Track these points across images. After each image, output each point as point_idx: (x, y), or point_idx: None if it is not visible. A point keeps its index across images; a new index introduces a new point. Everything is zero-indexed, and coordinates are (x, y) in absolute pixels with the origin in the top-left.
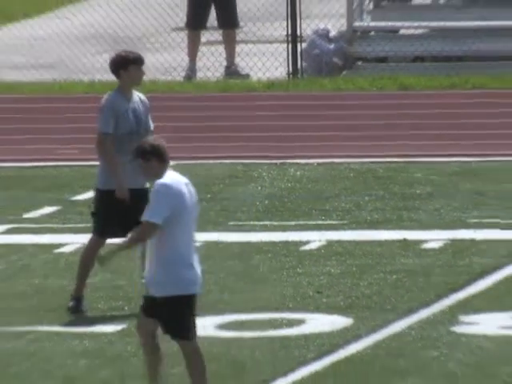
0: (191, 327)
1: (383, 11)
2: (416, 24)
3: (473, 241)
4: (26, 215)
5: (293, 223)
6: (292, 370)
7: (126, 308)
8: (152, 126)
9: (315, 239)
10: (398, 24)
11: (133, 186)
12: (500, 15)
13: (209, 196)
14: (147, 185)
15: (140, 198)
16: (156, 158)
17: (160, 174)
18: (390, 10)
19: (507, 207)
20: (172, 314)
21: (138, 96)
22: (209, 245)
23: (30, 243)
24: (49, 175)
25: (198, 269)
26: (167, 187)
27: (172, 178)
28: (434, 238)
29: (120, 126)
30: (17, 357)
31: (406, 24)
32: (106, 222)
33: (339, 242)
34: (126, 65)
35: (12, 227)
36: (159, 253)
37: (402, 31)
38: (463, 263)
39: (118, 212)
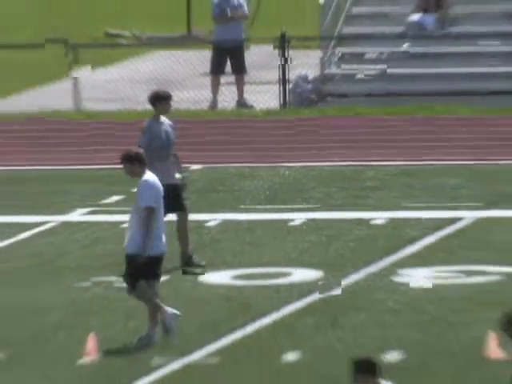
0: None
1: (344, 61)
2: (366, 71)
3: (406, 219)
4: (101, 202)
5: (284, 207)
6: (282, 307)
7: None
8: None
9: (299, 218)
10: (355, 71)
11: (169, 181)
12: (428, 64)
13: (225, 188)
14: (177, 181)
15: (173, 188)
16: (138, 162)
17: (141, 174)
18: (349, 62)
19: (430, 196)
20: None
21: (166, 121)
22: (225, 222)
23: (104, 221)
24: (117, 174)
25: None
26: (150, 183)
27: (151, 176)
28: (379, 217)
29: (155, 141)
30: (95, 300)
31: (360, 70)
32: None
33: (315, 220)
34: (160, 99)
35: (91, 210)
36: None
37: (357, 76)
38: (399, 234)
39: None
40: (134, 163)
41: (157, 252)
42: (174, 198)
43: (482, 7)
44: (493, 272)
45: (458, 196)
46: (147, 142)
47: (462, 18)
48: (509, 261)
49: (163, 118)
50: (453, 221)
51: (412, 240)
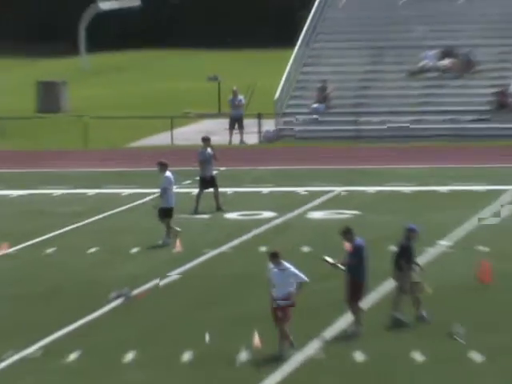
0: None
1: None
2: (298, 128)
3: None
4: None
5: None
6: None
7: None
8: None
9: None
10: (292, 126)
11: (210, 174)
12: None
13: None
14: (214, 173)
15: (212, 178)
16: (164, 165)
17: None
18: (288, 124)
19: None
20: None
21: (209, 149)
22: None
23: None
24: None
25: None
26: (169, 177)
27: (170, 173)
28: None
29: (204, 159)
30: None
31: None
32: (201, 186)
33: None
34: (206, 141)
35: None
36: None
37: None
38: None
39: (205, 184)
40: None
41: None
42: (213, 182)
43: None
44: None
45: None
46: None
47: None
48: None
49: (207, 148)
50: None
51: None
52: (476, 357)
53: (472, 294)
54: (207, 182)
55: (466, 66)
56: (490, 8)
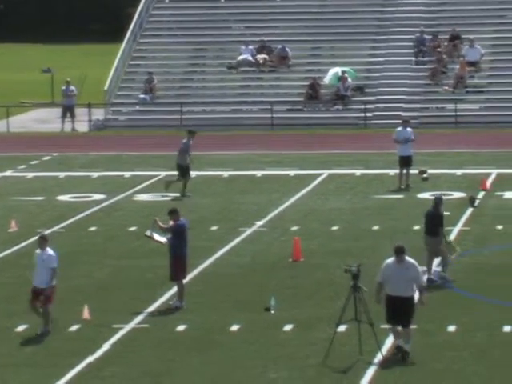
0: None
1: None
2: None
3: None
4: None
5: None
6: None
7: None
8: None
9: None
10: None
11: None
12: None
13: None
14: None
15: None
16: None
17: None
18: (116, 113)
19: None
20: None
21: (191, 140)
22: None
23: None
24: None
25: None
26: None
27: None
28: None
29: (185, 148)
30: None
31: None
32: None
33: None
34: (191, 133)
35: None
36: None
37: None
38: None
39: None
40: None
41: None
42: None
43: None
44: None
45: None
46: None
47: None
48: None
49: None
50: None
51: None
52: (287, 328)
53: (285, 270)
54: (183, 169)
55: (280, 61)
56: (302, 7)
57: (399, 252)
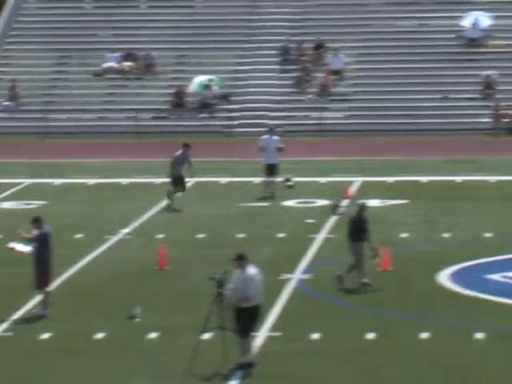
0: None
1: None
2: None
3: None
4: None
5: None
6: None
7: None
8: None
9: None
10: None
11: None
12: None
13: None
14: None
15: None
16: None
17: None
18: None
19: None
20: None
21: (188, 152)
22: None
23: None
24: None
25: None
26: None
27: None
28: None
29: (177, 161)
30: None
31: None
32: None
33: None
34: (186, 146)
35: None
36: None
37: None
38: None
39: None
40: None
41: None
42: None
43: None
44: None
45: None
46: None
47: None
48: None
49: None
50: None
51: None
52: (152, 335)
53: (150, 278)
54: (176, 180)
55: (145, 68)
56: (168, 15)
57: (237, 259)
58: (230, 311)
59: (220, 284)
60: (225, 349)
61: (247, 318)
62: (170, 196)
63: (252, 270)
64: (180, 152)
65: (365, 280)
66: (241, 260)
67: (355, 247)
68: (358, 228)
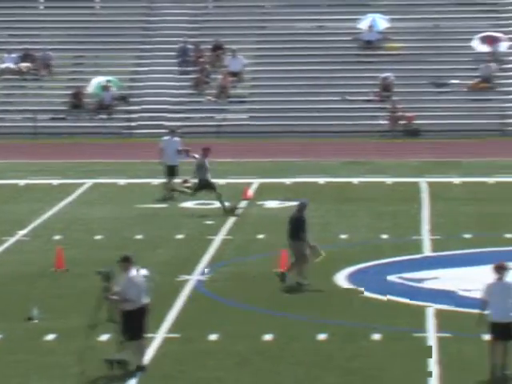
0: None
1: None
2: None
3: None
4: None
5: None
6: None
7: None
8: None
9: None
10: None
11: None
12: None
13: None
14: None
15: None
16: None
17: None
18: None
19: None
20: None
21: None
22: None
23: None
24: None
25: None
26: None
27: None
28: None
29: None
30: None
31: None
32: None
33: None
34: (206, 150)
35: None
36: None
37: None
38: None
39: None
40: None
41: None
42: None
43: None
44: None
45: None
46: None
47: None
48: None
49: None
50: None
51: None
52: (49, 337)
53: (48, 280)
54: (206, 184)
55: (43, 69)
56: (66, 16)
57: (121, 260)
58: (118, 308)
59: (106, 278)
60: (119, 344)
61: (134, 321)
62: (220, 199)
63: (133, 273)
64: (199, 156)
65: (301, 280)
66: (124, 262)
67: (295, 246)
68: (297, 227)
